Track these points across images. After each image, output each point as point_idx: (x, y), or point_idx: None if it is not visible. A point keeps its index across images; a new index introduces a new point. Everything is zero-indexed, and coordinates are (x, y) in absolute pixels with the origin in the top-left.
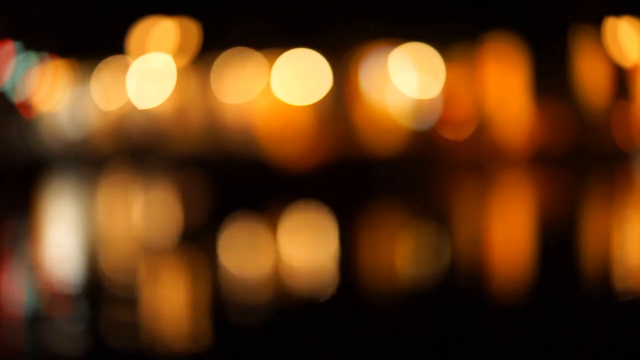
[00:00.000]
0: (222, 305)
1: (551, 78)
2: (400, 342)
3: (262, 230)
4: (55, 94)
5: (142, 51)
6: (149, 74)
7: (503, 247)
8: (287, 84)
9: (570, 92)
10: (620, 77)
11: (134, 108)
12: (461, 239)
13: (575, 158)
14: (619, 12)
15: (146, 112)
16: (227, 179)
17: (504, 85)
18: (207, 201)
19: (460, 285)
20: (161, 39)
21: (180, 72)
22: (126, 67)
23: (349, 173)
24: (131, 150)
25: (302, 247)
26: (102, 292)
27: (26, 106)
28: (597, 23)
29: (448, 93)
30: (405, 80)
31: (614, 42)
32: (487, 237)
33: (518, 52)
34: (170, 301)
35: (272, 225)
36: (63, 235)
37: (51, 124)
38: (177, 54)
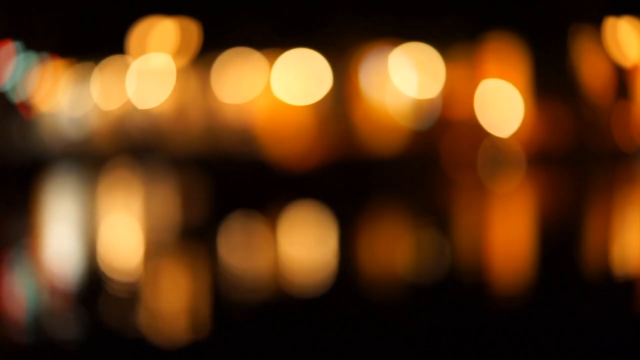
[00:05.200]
0: (222, 304)
1: (551, 78)
2: (400, 341)
3: (262, 230)
4: (55, 94)
5: (142, 51)
6: (149, 74)
7: (503, 247)
8: (287, 84)
9: (570, 92)
10: (620, 77)
11: (134, 108)
12: (461, 238)
13: (576, 158)
14: (619, 12)
15: (146, 112)
16: (227, 178)
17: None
18: (207, 201)
19: (461, 285)
20: (161, 39)
21: (180, 72)
22: (126, 67)
23: (349, 173)
24: (131, 150)
25: (302, 246)
26: (102, 292)
27: (26, 106)
28: (597, 23)
29: (448, 93)
30: (405, 80)
31: (614, 42)
32: (487, 238)
33: (518, 52)
34: (170, 299)
35: (272, 225)
36: (63, 235)
37: (51, 124)
38: (177, 54)
